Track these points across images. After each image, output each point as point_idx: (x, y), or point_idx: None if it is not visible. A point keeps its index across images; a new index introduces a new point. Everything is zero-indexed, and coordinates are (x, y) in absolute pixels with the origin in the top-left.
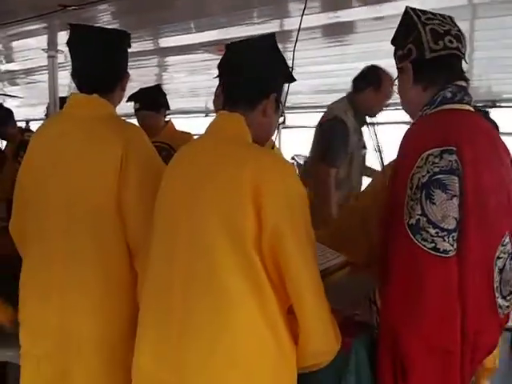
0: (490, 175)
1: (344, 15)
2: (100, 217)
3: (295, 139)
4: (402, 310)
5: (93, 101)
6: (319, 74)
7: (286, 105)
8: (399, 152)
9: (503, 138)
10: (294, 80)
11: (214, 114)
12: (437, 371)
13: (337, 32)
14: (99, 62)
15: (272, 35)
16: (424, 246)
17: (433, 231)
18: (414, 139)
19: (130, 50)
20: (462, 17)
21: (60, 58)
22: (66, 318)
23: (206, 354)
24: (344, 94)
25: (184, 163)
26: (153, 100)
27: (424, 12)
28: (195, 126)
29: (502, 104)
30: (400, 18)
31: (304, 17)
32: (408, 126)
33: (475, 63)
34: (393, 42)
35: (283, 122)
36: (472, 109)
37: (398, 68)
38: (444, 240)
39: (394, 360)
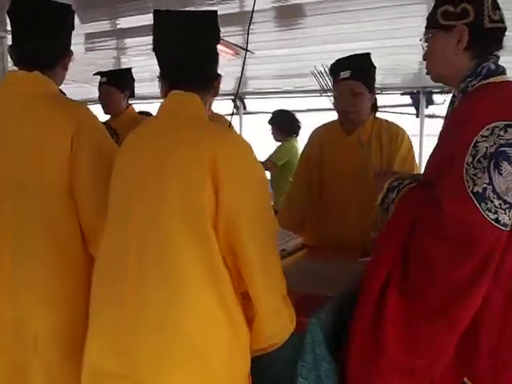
0: None
1: None
2: (50, 200)
3: (255, 124)
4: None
5: (35, 78)
6: (279, 59)
7: (247, 90)
8: (454, 121)
9: None
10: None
11: None
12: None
13: (298, 14)
14: (42, 36)
15: (214, 12)
16: (488, 215)
17: (497, 202)
18: (473, 110)
19: (86, 32)
20: (417, 0)
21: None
22: (20, 308)
23: (159, 343)
24: (304, 79)
25: (140, 144)
26: (120, 78)
27: None
28: (155, 111)
29: None
30: (364, 1)
31: None
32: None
33: None
34: None
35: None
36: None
37: (439, 25)
38: (505, 213)
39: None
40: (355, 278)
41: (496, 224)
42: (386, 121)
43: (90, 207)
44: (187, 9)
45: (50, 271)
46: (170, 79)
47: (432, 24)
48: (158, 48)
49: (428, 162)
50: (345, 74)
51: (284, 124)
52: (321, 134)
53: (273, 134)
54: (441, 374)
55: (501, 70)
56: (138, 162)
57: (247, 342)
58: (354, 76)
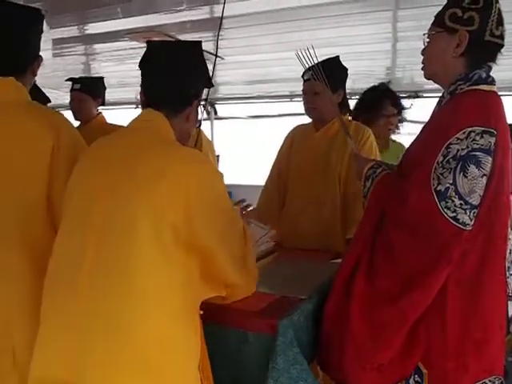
0: (509, 160)
1: (276, 3)
2: (30, 212)
3: (227, 130)
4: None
5: (8, 84)
6: (250, 64)
7: (218, 95)
8: (436, 120)
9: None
10: (212, 86)
11: None
12: None
13: (269, 20)
14: (9, 40)
15: (199, 42)
16: (446, 213)
17: (457, 202)
18: (456, 112)
19: (54, 37)
20: (385, 7)
21: None
22: None
23: (108, 350)
24: (275, 84)
25: (106, 153)
26: (94, 86)
27: None
28: (126, 118)
29: (425, 94)
30: (332, 8)
31: (235, 3)
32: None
33: (398, 54)
34: None
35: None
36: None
37: (445, 25)
38: (465, 213)
39: None
40: (327, 279)
41: (453, 222)
42: (356, 123)
43: None
44: (156, 15)
45: (29, 285)
46: (149, 103)
47: (438, 23)
48: (144, 74)
49: (405, 154)
50: (308, 76)
51: None
52: (294, 131)
53: None
54: (397, 360)
55: (490, 80)
56: (103, 171)
57: (197, 349)
58: (315, 77)
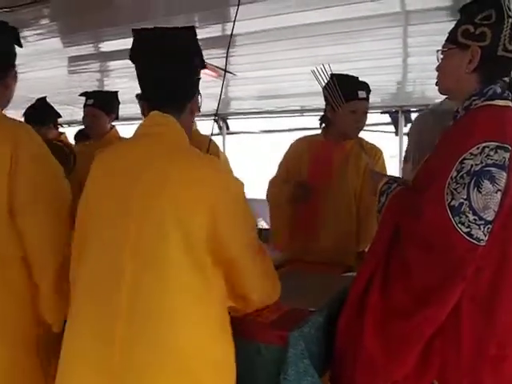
0: None
1: (286, 20)
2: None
3: (239, 145)
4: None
5: None
6: (261, 80)
7: (230, 110)
8: (451, 135)
9: None
10: (205, 67)
11: None
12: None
13: (280, 37)
14: None
15: (192, 28)
16: (460, 229)
17: (471, 217)
18: (470, 127)
19: (69, 55)
20: (396, 23)
21: None
22: None
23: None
24: (286, 99)
25: (124, 166)
26: (107, 101)
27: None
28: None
29: None
30: (342, 24)
31: (246, 21)
32: None
33: (409, 68)
34: (464, 9)
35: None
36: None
37: (457, 42)
38: (479, 228)
39: None
40: (337, 293)
41: (467, 237)
42: (367, 141)
43: (32, 230)
44: None
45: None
46: (151, 100)
47: (451, 39)
48: (140, 65)
49: (419, 168)
50: (362, 94)
51: None
52: (301, 141)
53: None
54: (412, 378)
55: (505, 95)
56: (123, 186)
57: (233, 359)
58: (367, 97)
